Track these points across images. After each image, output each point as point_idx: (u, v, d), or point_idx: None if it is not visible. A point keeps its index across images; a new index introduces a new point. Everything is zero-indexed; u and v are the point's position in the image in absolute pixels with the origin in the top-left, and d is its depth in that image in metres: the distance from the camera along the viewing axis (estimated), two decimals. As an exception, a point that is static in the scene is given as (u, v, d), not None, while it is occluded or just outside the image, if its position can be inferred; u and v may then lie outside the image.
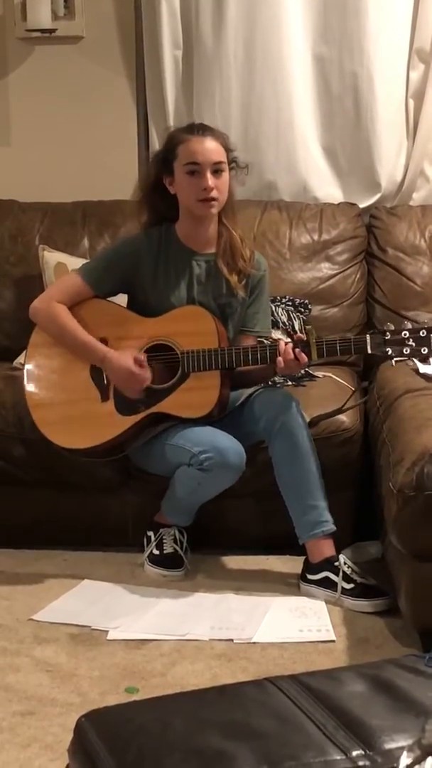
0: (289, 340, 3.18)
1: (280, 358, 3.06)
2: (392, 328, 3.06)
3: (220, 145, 3.20)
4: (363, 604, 3.00)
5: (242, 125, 4.16)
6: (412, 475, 2.64)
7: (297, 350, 3.06)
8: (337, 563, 3.08)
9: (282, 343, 3.09)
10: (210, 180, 3.15)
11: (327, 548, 3.12)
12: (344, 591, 3.03)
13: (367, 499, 3.30)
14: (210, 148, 3.17)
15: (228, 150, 3.22)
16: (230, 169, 3.23)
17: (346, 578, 3.05)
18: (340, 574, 3.05)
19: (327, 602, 3.04)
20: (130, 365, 3.16)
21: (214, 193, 3.16)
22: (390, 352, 3.03)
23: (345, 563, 3.08)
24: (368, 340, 3.05)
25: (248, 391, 3.29)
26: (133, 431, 3.22)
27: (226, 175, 3.20)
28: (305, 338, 3.10)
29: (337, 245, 4.04)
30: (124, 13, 4.30)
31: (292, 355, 3.06)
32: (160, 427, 3.20)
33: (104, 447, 3.23)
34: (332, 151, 4.22)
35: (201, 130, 3.22)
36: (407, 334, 3.02)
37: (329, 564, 3.09)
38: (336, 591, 3.04)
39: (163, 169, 3.23)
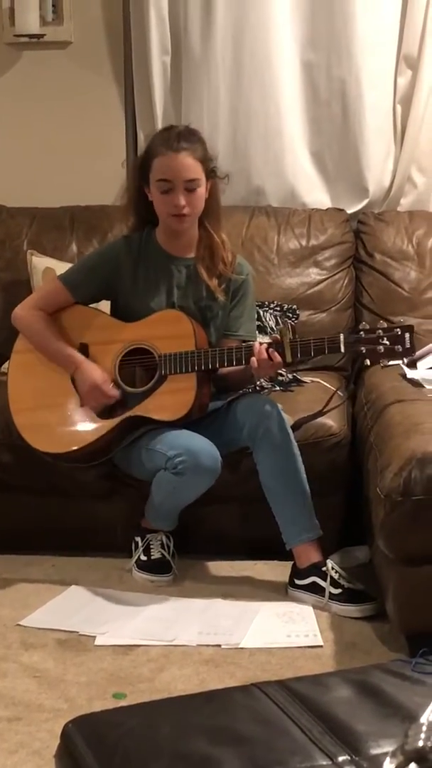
0: (264, 341, 3.18)
1: (253, 359, 3.06)
2: (367, 326, 3.06)
3: (195, 159, 3.16)
4: (350, 609, 3.00)
5: (230, 131, 4.17)
6: (399, 480, 2.64)
7: (270, 350, 3.06)
8: (324, 568, 3.08)
9: (256, 344, 3.09)
10: (182, 198, 3.15)
11: (314, 553, 3.12)
12: (332, 596, 3.03)
13: (355, 503, 3.30)
14: (183, 165, 3.15)
15: (205, 160, 3.19)
16: (209, 178, 3.21)
17: (334, 583, 3.05)
18: (328, 579, 3.05)
19: (315, 607, 3.04)
20: (96, 379, 3.19)
21: (186, 210, 3.16)
22: (364, 351, 3.02)
23: (332, 568, 3.08)
24: (341, 339, 3.05)
25: (228, 398, 3.29)
26: (113, 435, 3.22)
27: (200, 189, 3.18)
28: (279, 338, 3.10)
29: (325, 251, 4.05)
30: (113, 18, 4.30)
31: (265, 355, 3.06)
32: (140, 431, 3.20)
33: (84, 451, 3.23)
34: (320, 157, 4.23)
35: (177, 142, 3.16)
36: (381, 333, 3.02)
37: (316, 569, 3.09)
38: (323, 596, 3.04)
39: (141, 177, 3.23)
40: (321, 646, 2.83)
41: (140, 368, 3.23)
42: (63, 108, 4.37)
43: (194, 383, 3.15)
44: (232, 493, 3.25)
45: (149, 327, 3.24)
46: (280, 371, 3.57)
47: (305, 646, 2.83)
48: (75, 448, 3.23)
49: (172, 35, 4.20)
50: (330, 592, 3.04)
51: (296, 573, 3.13)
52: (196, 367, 3.14)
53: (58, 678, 2.67)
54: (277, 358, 3.06)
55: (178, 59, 4.21)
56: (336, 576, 3.06)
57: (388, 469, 2.73)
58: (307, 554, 3.12)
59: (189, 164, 3.15)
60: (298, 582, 3.12)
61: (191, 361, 3.14)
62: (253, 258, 3.89)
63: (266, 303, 3.82)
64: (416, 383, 3.33)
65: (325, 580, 3.06)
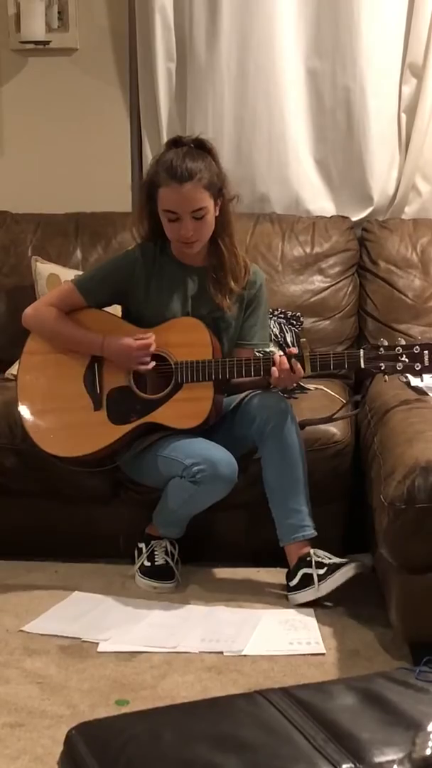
0: (281, 352, 3.18)
1: (274, 369, 3.07)
2: (386, 343, 3.07)
3: (202, 188, 3.12)
4: (338, 577, 3.03)
5: (235, 138, 4.18)
6: (403, 488, 2.64)
7: (293, 361, 3.07)
8: (309, 558, 3.09)
9: (277, 356, 3.10)
10: (189, 229, 3.14)
11: (304, 551, 3.13)
12: (320, 577, 3.04)
13: (358, 511, 3.31)
14: (188, 198, 3.12)
15: (211, 185, 3.15)
16: (218, 197, 3.18)
17: (318, 565, 3.06)
18: (313, 564, 3.07)
19: (313, 604, 3.05)
20: (128, 341, 3.18)
21: (193, 238, 3.17)
22: (383, 368, 3.05)
23: (315, 554, 3.10)
24: (362, 355, 3.07)
25: (241, 395, 3.28)
26: (125, 441, 3.23)
27: (209, 216, 3.16)
28: (296, 351, 3.11)
29: (329, 258, 4.05)
30: (118, 25, 4.31)
31: (287, 366, 3.07)
32: (152, 438, 3.20)
33: (95, 456, 3.23)
34: (325, 165, 4.23)
35: (182, 171, 3.11)
36: (400, 350, 3.04)
37: (303, 561, 3.10)
38: (314, 583, 3.05)
39: (149, 200, 3.21)
40: (323, 654, 2.82)
41: (155, 375, 3.23)
42: (68, 115, 4.38)
43: (211, 392, 3.16)
44: (237, 500, 3.25)
45: (165, 334, 3.23)
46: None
47: (308, 654, 2.82)
48: (86, 452, 3.23)
49: (177, 42, 4.21)
50: (318, 574, 3.05)
51: (288, 575, 3.14)
52: (213, 377, 3.14)
53: (61, 684, 2.66)
54: (300, 370, 3.07)
55: (184, 66, 4.22)
56: (319, 558, 3.08)
57: (391, 476, 2.73)
58: (298, 553, 3.12)
59: (195, 196, 3.12)
60: (291, 584, 3.12)
61: (208, 370, 3.14)
62: (257, 265, 3.89)
63: (270, 310, 3.81)
64: (420, 391, 3.33)
65: (311, 566, 3.06)
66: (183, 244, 3.20)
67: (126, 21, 4.29)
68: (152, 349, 3.19)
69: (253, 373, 3.14)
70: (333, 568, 3.05)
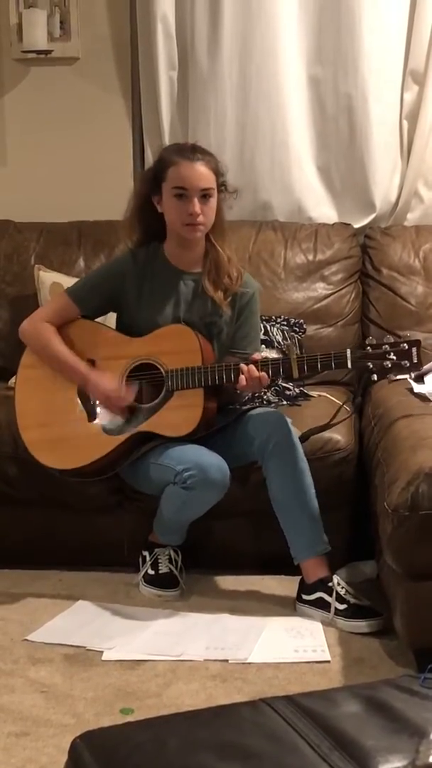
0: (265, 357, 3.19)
1: (242, 377, 3.06)
2: (374, 342, 3.06)
3: (210, 170, 3.19)
4: (356, 625, 2.99)
5: (237, 145, 4.18)
6: (407, 495, 2.64)
7: (259, 368, 3.05)
8: (330, 584, 3.07)
9: (243, 365, 3.07)
10: (197, 206, 3.16)
11: (321, 568, 3.12)
12: (337, 612, 3.03)
13: (362, 518, 3.30)
14: (199, 174, 3.17)
15: (218, 174, 3.22)
16: (219, 192, 3.23)
17: (339, 599, 3.04)
18: (334, 594, 3.05)
19: (322, 623, 3.04)
20: (108, 386, 3.20)
21: (200, 219, 3.18)
22: (371, 366, 3.02)
23: (338, 584, 3.08)
24: (348, 354, 3.05)
25: (237, 413, 3.28)
26: (120, 451, 3.23)
27: (213, 200, 3.21)
28: (259, 358, 3.09)
29: (332, 265, 4.06)
30: (120, 34, 4.32)
31: (257, 374, 3.06)
32: (147, 446, 3.20)
33: (92, 467, 3.24)
34: (327, 172, 4.24)
35: (192, 153, 3.21)
36: (388, 348, 3.01)
37: (323, 584, 3.08)
38: (330, 612, 3.04)
39: (153, 187, 3.24)
40: (328, 662, 2.82)
41: (147, 383, 3.23)
42: (70, 123, 4.38)
43: (201, 399, 3.15)
44: (240, 507, 3.25)
45: (156, 342, 3.24)
46: (287, 386, 3.58)
47: (313, 662, 2.82)
48: (83, 464, 3.24)
49: (179, 50, 4.22)
50: (335, 608, 3.03)
51: (303, 588, 3.13)
52: (203, 383, 3.14)
53: (66, 693, 2.66)
54: (265, 377, 3.05)
55: (185, 74, 4.23)
56: (342, 591, 3.06)
57: (395, 483, 2.72)
58: (315, 569, 3.12)
59: (205, 173, 3.18)
60: (305, 597, 3.11)
61: (198, 377, 3.14)
62: (260, 272, 3.90)
63: (273, 317, 3.82)
64: (424, 398, 3.32)
65: (331, 595, 3.05)
66: (187, 228, 3.20)
67: (128, 29, 4.30)
68: (126, 402, 3.21)
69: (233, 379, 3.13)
70: (354, 611, 3.01)
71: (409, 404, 3.28)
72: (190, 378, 3.14)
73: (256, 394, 3.46)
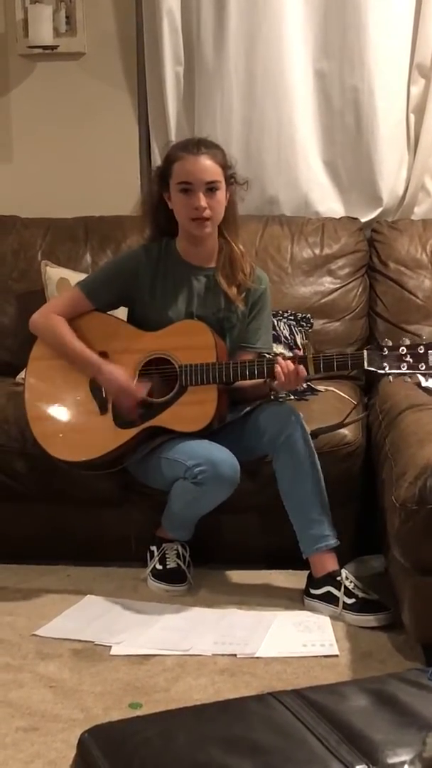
0: (290, 355, 3.18)
1: (279, 371, 3.06)
2: (390, 343, 3.06)
3: (215, 163, 3.19)
4: (364, 619, 2.99)
5: (243, 140, 4.18)
6: (414, 489, 2.64)
7: (296, 363, 3.06)
8: (339, 578, 3.07)
9: (280, 358, 3.10)
10: (202, 199, 3.15)
11: (330, 562, 3.12)
12: (345, 606, 3.03)
13: (370, 512, 3.30)
14: (203, 167, 3.17)
15: (225, 167, 3.22)
16: (229, 185, 3.23)
17: (348, 593, 3.04)
18: (342, 588, 3.05)
19: (330, 617, 3.04)
20: (122, 379, 3.19)
21: (206, 213, 3.17)
22: (387, 368, 3.02)
23: (347, 578, 3.08)
24: (365, 356, 3.05)
25: (248, 407, 3.28)
26: (131, 444, 3.23)
27: (220, 193, 3.20)
28: (301, 354, 3.10)
29: (339, 259, 4.05)
30: (126, 29, 4.32)
31: (293, 368, 3.06)
32: (158, 441, 3.20)
33: (102, 460, 3.24)
34: (333, 166, 4.23)
35: (196, 147, 3.21)
36: (404, 350, 3.02)
37: (331, 579, 3.08)
38: (338, 606, 3.04)
39: (162, 185, 3.24)
40: (337, 656, 2.82)
41: (159, 378, 3.23)
42: (76, 119, 4.39)
43: (215, 395, 3.15)
44: (249, 502, 3.25)
45: (170, 337, 3.24)
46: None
47: (321, 656, 2.82)
48: (94, 456, 3.23)
49: (185, 46, 4.22)
50: (344, 602, 3.03)
51: (312, 582, 3.13)
52: (217, 379, 3.14)
53: (74, 688, 2.67)
54: (303, 371, 3.06)
55: (191, 69, 4.22)
56: (350, 586, 3.06)
57: (403, 478, 2.72)
58: (323, 563, 3.12)
59: (209, 166, 3.17)
60: (313, 591, 3.11)
61: (213, 373, 3.14)
62: (266, 267, 3.90)
63: (280, 312, 3.82)
64: (431, 392, 3.32)
65: (339, 589, 3.05)
66: (194, 223, 3.20)
67: (133, 25, 4.29)
68: (138, 398, 3.20)
69: (257, 376, 3.13)
70: (363, 606, 3.01)
71: (416, 398, 3.28)
72: (204, 374, 3.14)
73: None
